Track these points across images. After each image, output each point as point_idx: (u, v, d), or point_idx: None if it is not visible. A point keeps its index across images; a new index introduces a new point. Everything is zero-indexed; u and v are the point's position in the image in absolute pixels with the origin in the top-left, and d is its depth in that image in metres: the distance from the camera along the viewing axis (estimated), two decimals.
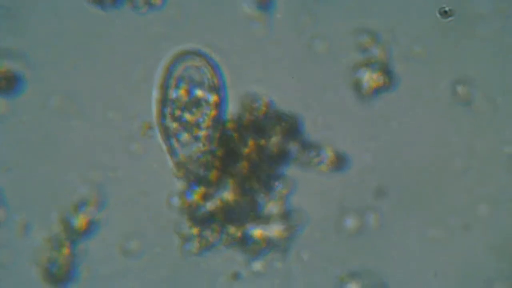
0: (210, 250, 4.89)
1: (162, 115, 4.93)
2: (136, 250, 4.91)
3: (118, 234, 4.91)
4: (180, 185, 4.90)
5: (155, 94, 4.93)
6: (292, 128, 4.91)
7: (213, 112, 4.92)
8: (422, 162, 4.94)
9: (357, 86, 4.94)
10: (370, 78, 4.92)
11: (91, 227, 4.90)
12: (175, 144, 4.92)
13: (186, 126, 4.92)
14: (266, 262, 4.90)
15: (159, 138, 4.93)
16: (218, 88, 4.94)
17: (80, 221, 4.90)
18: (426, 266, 4.91)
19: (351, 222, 4.93)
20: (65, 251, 4.89)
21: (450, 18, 4.77)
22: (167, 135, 4.92)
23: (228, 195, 4.89)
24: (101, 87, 4.94)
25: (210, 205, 4.89)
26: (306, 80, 4.95)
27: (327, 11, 4.95)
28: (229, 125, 4.91)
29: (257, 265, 4.90)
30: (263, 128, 4.90)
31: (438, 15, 4.83)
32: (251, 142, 4.89)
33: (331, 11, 4.95)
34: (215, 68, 4.94)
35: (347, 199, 4.94)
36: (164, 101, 4.93)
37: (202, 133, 4.91)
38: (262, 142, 4.89)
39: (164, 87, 4.93)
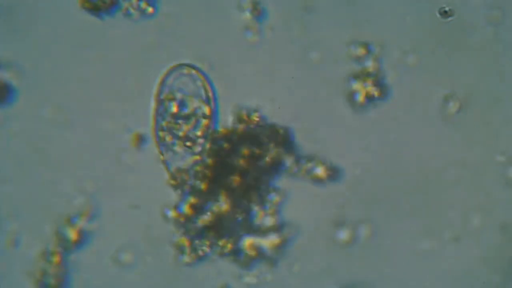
0: (203, 261, 4.90)
1: (157, 127, 4.93)
2: (129, 261, 4.91)
3: (111, 244, 4.91)
4: (174, 196, 4.90)
5: (150, 105, 4.93)
6: (285, 140, 4.91)
7: (205, 123, 4.92)
8: (415, 172, 4.95)
9: (350, 97, 4.94)
10: (362, 89, 4.92)
11: (83, 238, 4.90)
12: (169, 155, 4.92)
13: (180, 138, 4.93)
14: (258, 273, 4.91)
15: (153, 148, 4.92)
16: (210, 99, 4.94)
17: (72, 232, 4.90)
18: (418, 278, 4.93)
19: (343, 234, 4.94)
20: (58, 262, 4.89)
21: (450, 18, 4.77)
22: (162, 146, 4.92)
23: (220, 206, 4.89)
24: (94, 96, 4.93)
25: (203, 216, 4.89)
26: (299, 90, 4.96)
27: (319, 21, 4.94)
28: (222, 135, 4.91)
29: (249, 277, 4.91)
30: (256, 139, 4.90)
31: (438, 15, 4.84)
32: (244, 153, 4.89)
33: (323, 21, 4.95)
34: (207, 78, 4.94)
35: (339, 210, 4.95)
36: (158, 112, 4.93)
37: (195, 143, 4.91)
38: (256, 153, 4.89)
39: (159, 99, 4.93)
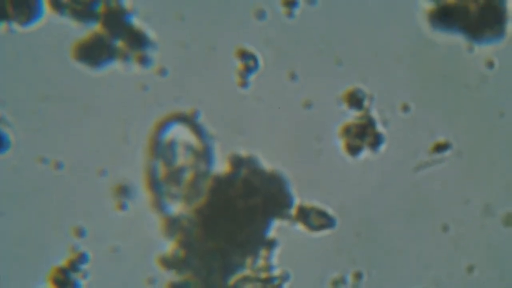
0: None
1: (153, 182, 4.95)
2: None
3: None
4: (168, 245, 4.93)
5: (143, 158, 4.94)
6: (278, 188, 4.94)
7: (194, 173, 4.94)
8: (405, 219, 5.00)
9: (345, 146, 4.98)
10: (353, 140, 4.96)
11: (72, 282, 4.91)
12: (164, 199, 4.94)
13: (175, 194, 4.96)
14: None
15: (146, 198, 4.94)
16: (203, 151, 4.96)
17: (60, 276, 4.90)
18: None
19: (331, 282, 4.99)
20: None
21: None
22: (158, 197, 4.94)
23: (211, 255, 4.92)
24: (87, 147, 4.93)
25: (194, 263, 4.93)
26: (291, 137, 4.99)
27: (310, 71, 4.97)
28: (215, 184, 4.93)
29: None
30: (249, 188, 4.92)
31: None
32: (238, 203, 4.91)
33: (315, 71, 4.98)
34: (200, 129, 4.96)
35: (329, 258, 4.98)
36: (154, 166, 4.95)
37: (187, 192, 4.93)
38: (250, 202, 4.91)
39: (154, 152, 4.95)
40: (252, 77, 4.94)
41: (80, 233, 4.88)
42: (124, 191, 4.91)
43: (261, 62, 4.94)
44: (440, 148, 4.92)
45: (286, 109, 4.97)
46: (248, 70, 4.91)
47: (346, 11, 4.96)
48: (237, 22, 4.93)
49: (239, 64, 4.93)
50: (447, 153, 4.95)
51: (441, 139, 4.99)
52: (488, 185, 5.01)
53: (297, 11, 4.93)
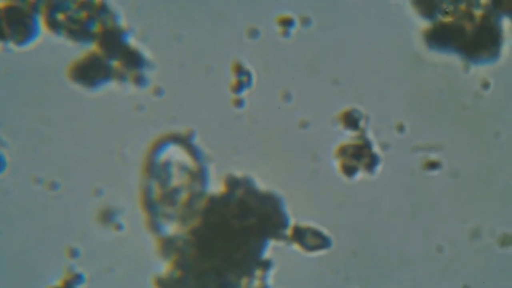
0: None
1: (149, 202, 4.95)
2: None
3: None
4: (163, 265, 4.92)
5: (138, 179, 4.94)
6: (273, 208, 4.94)
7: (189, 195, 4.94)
8: (400, 238, 5.00)
9: (341, 166, 4.99)
10: (349, 161, 4.97)
11: None
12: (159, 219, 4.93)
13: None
14: None
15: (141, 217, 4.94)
16: (198, 172, 4.96)
17: None
18: None
19: None
20: None
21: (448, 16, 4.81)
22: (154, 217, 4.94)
23: (206, 276, 4.91)
24: (82, 167, 4.93)
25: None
26: (286, 157, 4.99)
27: (305, 90, 4.99)
28: (210, 205, 4.93)
29: None
30: (244, 208, 4.92)
31: (439, 15, 4.88)
32: (233, 223, 4.91)
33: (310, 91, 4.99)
34: (195, 150, 4.96)
35: (324, 278, 4.98)
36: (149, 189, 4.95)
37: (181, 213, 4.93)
38: (245, 222, 4.91)
39: (149, 173, 4.95)
40: (247, 96, 4.95)
41: (75, 253, 4.87)
42: (109, 215, 4.90)
43: (255, 80, 4.95)
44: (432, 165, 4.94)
45: (282, 129, 4.97)
46: (242, 85, 4.92)
47: (342, 30, 4.97)
48: (232, 41, 4.94)
49: (233, 80, 4.94)
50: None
51: (434, 157, 5.00)
52: (483, 206, 5.00)
53: (293, 31, 4.94)
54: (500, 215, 5.03)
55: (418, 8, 4.93)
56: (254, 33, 4.95)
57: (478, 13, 4.90)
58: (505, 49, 5.00)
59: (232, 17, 4.94)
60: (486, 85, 5.00)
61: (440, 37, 4.93)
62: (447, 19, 4.83)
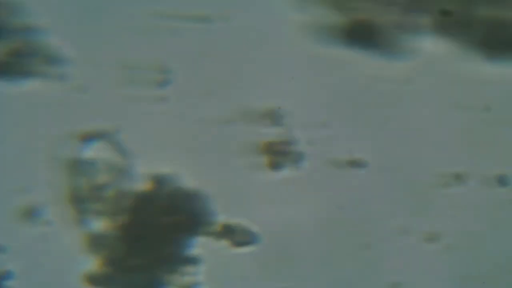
0: None
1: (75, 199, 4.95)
2: None
3: None
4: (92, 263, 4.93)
5: (64, 176, 4.94)
6: (201, 205, 4.95)
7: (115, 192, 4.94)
8: (328, 235, 5.00)
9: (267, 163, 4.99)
10: (275, 157, 4.97)
11: None
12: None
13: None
14: None
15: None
16: (125, 168, 4.97)
17: None
18: None
19: None
20: None
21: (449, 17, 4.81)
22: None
23: (136, 272, 4.92)
24: (5, 164, 4.93)
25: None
26: (213, 154, 4.99)
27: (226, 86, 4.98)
28: (138, 201, 4.94)
29: None
30: (171, 205, 4.93)
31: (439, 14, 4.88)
32: (161, 220, 4.91)
33: None
34: (121, 146, 4.96)
35: (254, 274, 4.99)
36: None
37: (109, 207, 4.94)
38: (173, 219, 4.92)
39: (75, 170, 4.95)
40: (171, 92, 4.96)
41: (2, 250, 4.88)
42: (34, 212, 4.91)
43: (175, 76, 4.96)
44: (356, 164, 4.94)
45: (207, 125, 4.98)
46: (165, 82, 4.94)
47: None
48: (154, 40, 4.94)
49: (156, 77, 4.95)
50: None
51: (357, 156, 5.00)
52: (411, 201, 5.01)
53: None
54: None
55: None
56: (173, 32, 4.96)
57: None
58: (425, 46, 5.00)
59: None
60: (407, 81, 5.00)
61: (355, 35, 4.93)
62: (447, 19, 4.82)
